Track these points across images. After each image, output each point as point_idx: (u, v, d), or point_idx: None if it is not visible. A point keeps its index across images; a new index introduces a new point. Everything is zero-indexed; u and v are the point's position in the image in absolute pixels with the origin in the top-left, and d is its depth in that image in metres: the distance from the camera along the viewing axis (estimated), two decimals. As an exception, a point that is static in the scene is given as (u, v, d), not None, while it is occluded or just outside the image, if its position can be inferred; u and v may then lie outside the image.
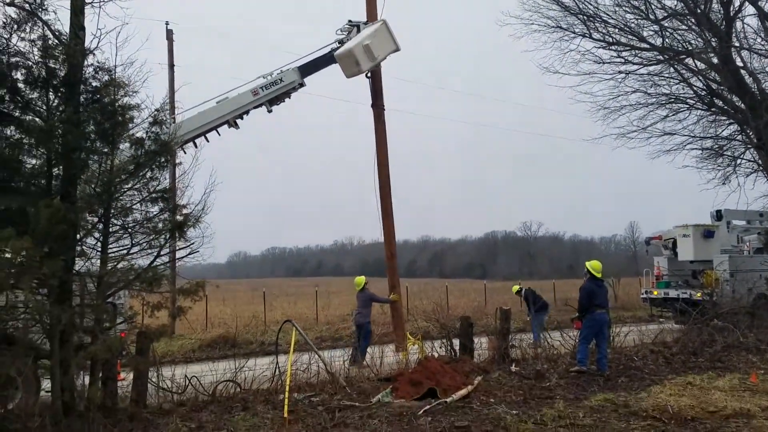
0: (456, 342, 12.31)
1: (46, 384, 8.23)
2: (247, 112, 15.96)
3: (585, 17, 19.83)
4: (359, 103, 17.34)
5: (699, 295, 18.48)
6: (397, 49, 16.92)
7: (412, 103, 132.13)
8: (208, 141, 15.39)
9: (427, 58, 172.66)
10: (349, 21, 17.55)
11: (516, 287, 19.57)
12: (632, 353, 12.76)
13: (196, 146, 14.88)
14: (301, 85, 16.47)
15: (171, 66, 19.95)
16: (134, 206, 8.38)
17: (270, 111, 16.30)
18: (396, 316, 16.00)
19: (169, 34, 20.37)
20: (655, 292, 21.38)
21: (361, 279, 15.53)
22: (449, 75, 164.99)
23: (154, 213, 8.39)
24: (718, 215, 21.69)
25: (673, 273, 21.63)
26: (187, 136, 14.34)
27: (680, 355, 12.57)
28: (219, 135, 15.77)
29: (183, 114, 15.97)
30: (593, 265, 11.82)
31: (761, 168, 20.46)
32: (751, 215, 22.46)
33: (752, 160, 21.00)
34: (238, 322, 23.30)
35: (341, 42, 16.97)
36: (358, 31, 17.03)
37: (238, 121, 15.89)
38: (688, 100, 20.84)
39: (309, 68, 16.50)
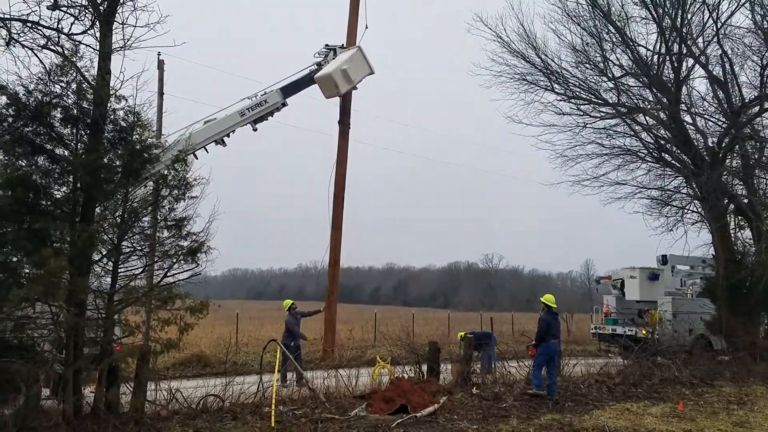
0: (424, 365, 13.50)
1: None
2: (233, 131, 17.24)
3: (548, 72, 21.62)
4: (325, 134, 18.63)
5: (643, 332, 20.06)
6: (372, 72, 18.57)
7: (383, 133, 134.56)
8: (197, 158, 16.39)
9: (400, 93, 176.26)
10: (326, 45, 19.10)
11: (461, 334, 20.31)
12: (579, 382, 14.12)
13: (196, 157, 16.04)
14: (284, 105, 17.92)
15: (161, 93, 20.90)
16: (147, 231, 9.48)
17: (255, 129, 17.70)
18: (328, 321, 17.27)
19: (161, 63, 21.42)
20: (605, 328, 22.88)
21: (288, 302, 16.83)
22: (416, 110, 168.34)
23: (165, 238, 9.48)
24: (664, 260, 23.54)
25: (620, 311, 23.17)
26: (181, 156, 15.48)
27: (622, 386, 13.97)
28: (207, 152, 16.93)
29: (171, 136, 17.21)
30: (548, 299, 12.99)
31: (704, 219, 22.26)
32: (694, 261, 24.29)
33: (696, 211, 22.81)
34: (205, 342, 23.88)
35: (319, 65, 18.49)
36: (335, 54, 18.61)
37: (225, 138, 17.12)
38: (639, 153, 22.59)
39: (290, 89, 17.96)
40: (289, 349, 15.60)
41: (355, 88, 18.49)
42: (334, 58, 18.62)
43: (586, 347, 26.14)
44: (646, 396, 13.09)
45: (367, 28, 19.56)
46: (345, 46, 18.97)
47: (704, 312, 21.21)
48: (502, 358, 15.44)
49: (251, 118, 17.23)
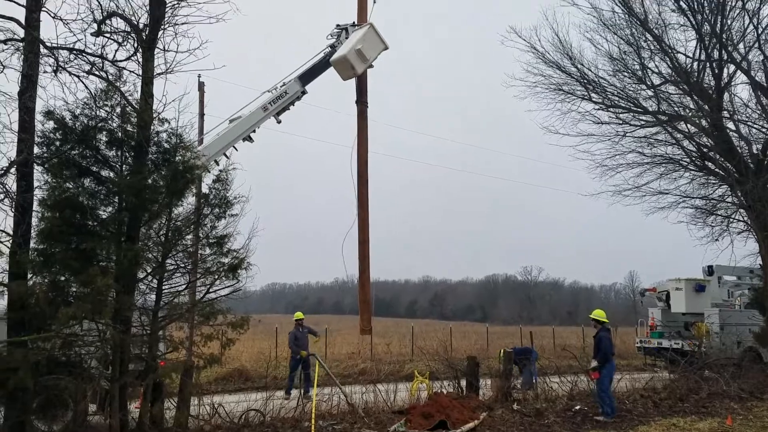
0: (463, 380, 13.40)
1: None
2: (258, 126, 17.48)
3: (585, 81, 21.38)
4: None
5: (690, 345, 19.54)
6: (386, 48, 18.41)
7: (418, 146, 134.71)
8: (228, 157, 16.63)
9: (437, 100, 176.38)
10: (337, 25, 19.00)
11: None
12: (624, 397, 13.81)
13: (227, 156, 16.38)
14: (304, 92, 17.98)
15: (201, 115, 21.35)
16: (189, 249, 9.70)
17: (279, 122, 17.85)
18: (362, 301, 17.75)
19: (201, 85, 21.93)
20: (650, 342, 22.36)
21: (298, 314, 17.72)
22: (454, 123, 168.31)
23: (207, 255, 9.68)
24: (710, 270, 22.91)
25: (666, 324, 22.64)
26: (212, 158, 15.73)
27: (668, 400, 13.62)
28: (237, 150, 17.13)
29: (204, 137, 17.66)
30: (600, 314, 12.49)
31: (750, 228, 21.63)
32: (741, 271, 23.61)
33: (742, 220, 22.17)
34: (246, 356, 24.19)
35: (333, 47, 18.46)
36: (347, 33, 18.56)
37: (252, 134, 17.37)
38: (682, 161, 22.09)
39: (308, 76, 17.99)
40: (308, 359, 16.15)
41: (371, 66, 18.39)
42: (347, 38, 18.35)
43: (631, 361, 25.54)
44: (694, 411, 12.73)
45: (375, 2, 19.08)
46: (356, 23, 18.91)
47: (753, 324, 20.65)
48: (544, 373, 15.21)
49: (274, 111, 17.44)
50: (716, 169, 21.58)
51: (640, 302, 27.53)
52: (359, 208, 18.11)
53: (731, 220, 22.26)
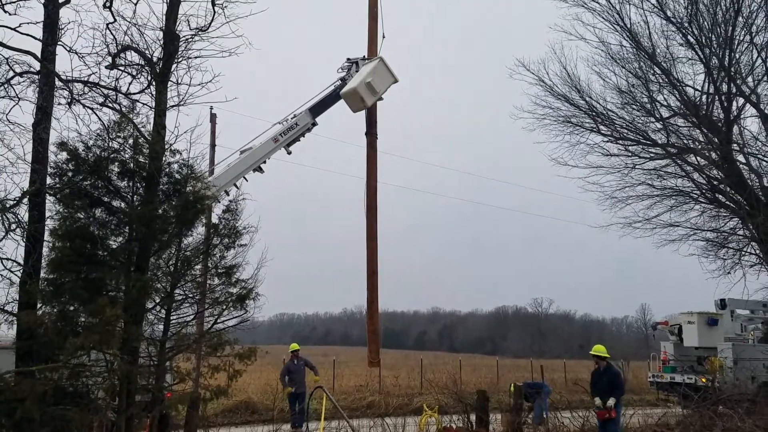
0: (472, 415, 13.21)
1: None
2: (269, 157, 17.59)
3: (594, 114, 21.50)
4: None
5: (703, 380, 19.20)
6: (396, 81, 18.63)
7: (424, 179, 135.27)
8: (238, 188, 16.70)
9: (438, 133, 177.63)
10: (348, 59, 19.23)
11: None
12: (636, 433, 13.57)
13: (237, 187, 16.49)
14: (314, 125, 18.20)
15: (213, 146, 21.62)
16: (198, 279, 9.70)
17: (289, 153, 17.99)
18: (371, 331, 17.68)
19: (213, 117, 22.23)
20: (663, 377, 22.00)
21: (294, 346, 17.32)
22: (459, 155, 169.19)
23: (216, 285, 9.68)
24: (723, 304, 22.61)
25: (678, 358, 22.28)
26: (222, 188, 15.82)
27: (681, 437, 13.37)
28: (247, 181, 17.20)
29: (215, 168, 17.78)
30: (600, 349, 12.10)
31: (763, 261, 21.43)
32: (754, 305, 23.30)
33: (754, 253, 21.97)
34: (253, 388, 23.99)
35: (343, 80, 18.66)
36: (357, 67, 18.76)
37: (262, 165, 17.47)
38: (692, 194, 22.04)
39: (318, 108, 18.22)
40: (303, 393, 15.98)
41: (380, 99, 18.59)
42: (357, 71, 18.64)
43: (643, 396, 25.19)
44: (708, 448, 12.47)
45: (384, 37, 19.42)
46: (366, 57, 19.12)
47: (767, 358, 20.31)
48: (555, 408, 14.96)
49: (284, 142, 17.60)
50: (727, 202, 21.52)
51: (652, 336, 27.16)
52: (368, 239, 18.15)
53: (743, 253, 22.11)
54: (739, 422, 14.29)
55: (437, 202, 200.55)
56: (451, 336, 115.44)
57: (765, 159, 20.94)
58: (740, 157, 20.97)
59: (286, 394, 17.06)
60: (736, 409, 15.15)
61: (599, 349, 12.31)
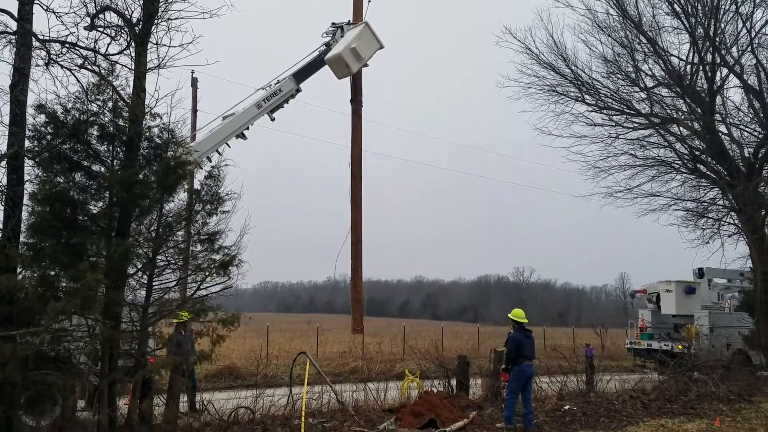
0: (453, 380, 13.41)
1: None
2: (252, 123, 17.41)
3: (579, 83, 21.46)
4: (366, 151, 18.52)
5: (680, 347, 19.63)
6: (381, 47, 18.41)
7: (408, 146, 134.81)
8: (220, 154, 16.53)
9: (425, 104, 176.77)
10: (333, 23, 18.96)
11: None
12: (613, 398, 13.87)
13: (220, 153, 16.29)
14: (298, 90, 17.98)
15: (194, 111, 21.38)
16: (180, 245, 9.65)
17: (273, 119, 17.76)
18: (355, 299, 17.96)
19: (194, 81, 21.91)
20: (640, 343, 22.44)
21: (184, 313, 13.71)
22: (443, 122, 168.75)
23: (198, 252, 9.63)
24: (700, 273, 23.02)
25: (656, 326, 22.72)
26: (204, 155, 15.66)
27: (657, 401, 13.68)
28: (229, 147, 17.03)
29: (197, 134, 17.54)
30: (518, 314, 11.37)
31: (741, 231, 21.76)
32: (731, 274, 23.74)
33: (733, 223, 22.29)
34: (237, 354, 24.12)
35: (328, 45, 18.42)
36: (342, 32, 18.50)
37: (245, 132, 17.29)
38: (674, 164, 22.24)
39: (302, 74, 18.01)
40: None
41: (366, 65, 18.37)
42: (342, 37, 18.44)
43: (621, 363, 25.70)
44: (682, 412, 12.79)
45: (370, 1, 19.27)
46: (351, 22, 18.83)
47: (742, 326, 20.79)
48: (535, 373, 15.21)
49: (268, 108, 17.40)
50: (708, 172, 21.74)
51: (631, 304, 27.71)
52: (353, 209, 18.18)
53: (722, 222, 22.45)
54: (714, 388, 14.70)
55: (425, 173, 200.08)
56: (434, 304, 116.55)
57: (747, 129, 21.14)
58: (722, 128, 21.13)
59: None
60: (711, 375, 15.57)
61: (515, 313, 11.45)
